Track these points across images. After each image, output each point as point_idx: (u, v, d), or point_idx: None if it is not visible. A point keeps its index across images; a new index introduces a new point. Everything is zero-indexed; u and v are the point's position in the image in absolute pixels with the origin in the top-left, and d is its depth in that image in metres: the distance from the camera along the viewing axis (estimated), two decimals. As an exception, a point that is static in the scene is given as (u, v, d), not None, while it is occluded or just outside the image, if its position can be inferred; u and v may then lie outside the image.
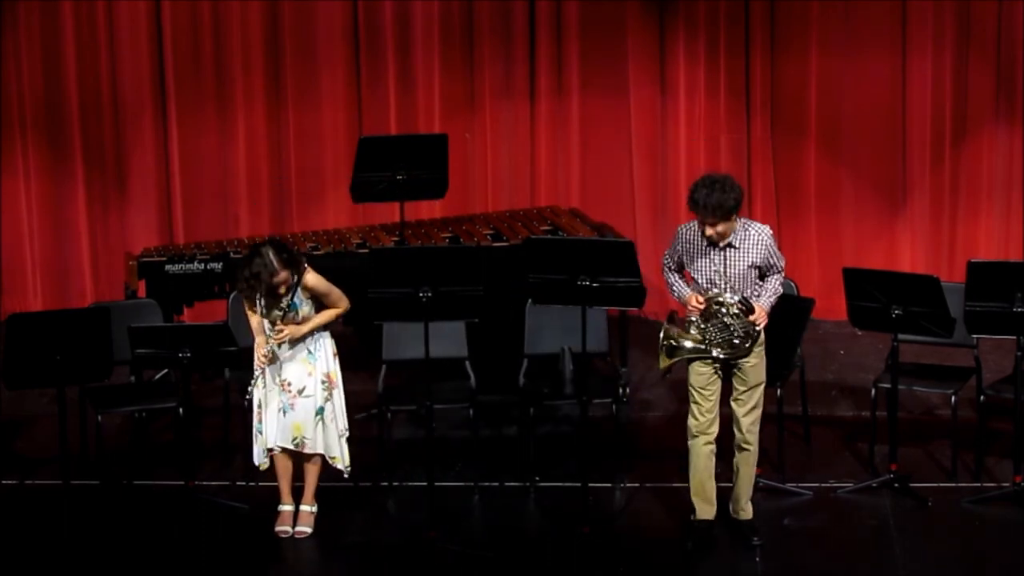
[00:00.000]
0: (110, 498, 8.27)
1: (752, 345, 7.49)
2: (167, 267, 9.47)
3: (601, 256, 7.55)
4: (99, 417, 8.33)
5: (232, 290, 9.25)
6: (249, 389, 7.78)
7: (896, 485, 8.18)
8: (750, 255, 7.47)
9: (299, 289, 7.68)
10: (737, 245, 7.46)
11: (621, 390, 8.97)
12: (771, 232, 7.54)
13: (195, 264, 9.46)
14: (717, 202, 7.31)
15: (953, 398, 8.43)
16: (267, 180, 11.52)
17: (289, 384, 7.73)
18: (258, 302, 7.69)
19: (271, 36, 11.38)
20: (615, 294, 7.57)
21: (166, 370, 9.03)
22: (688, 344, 7.49)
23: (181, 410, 8.39)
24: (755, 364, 7.56)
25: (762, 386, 7.61)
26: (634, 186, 11.44)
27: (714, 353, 7.47)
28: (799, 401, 8.91)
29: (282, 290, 7.64)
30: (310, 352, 7.75)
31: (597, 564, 7.56)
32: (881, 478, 8.25)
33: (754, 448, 7.66)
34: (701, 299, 7.47)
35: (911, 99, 11.17)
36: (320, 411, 7.75)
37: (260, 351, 7.74)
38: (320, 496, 8.04)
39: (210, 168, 11.51)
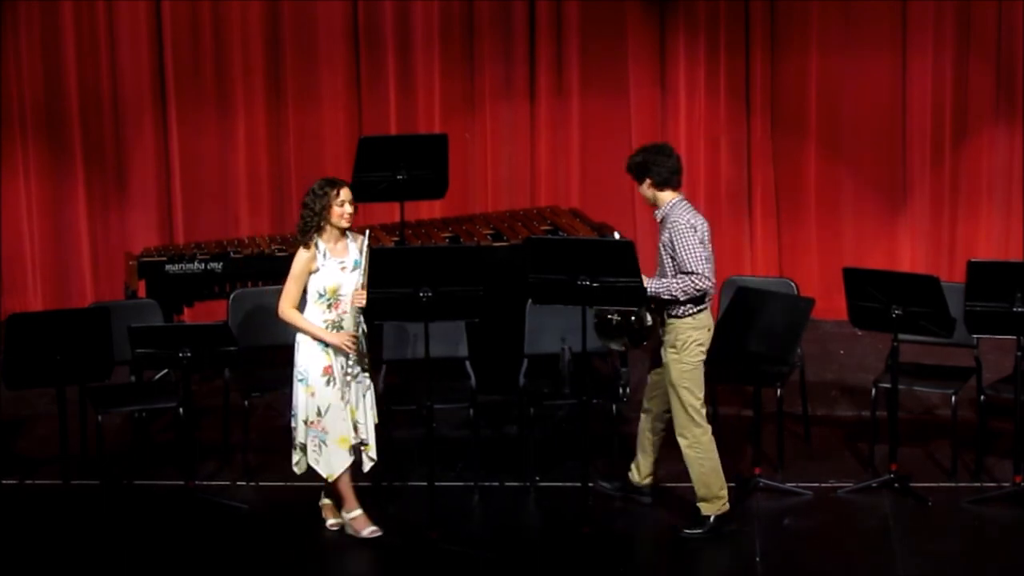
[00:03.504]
0: (110, 498, 8.27)
1: (640, 329, 7.68)
2: (167, 267, 9.46)
3: (601, 256, 7.55)
4: (99, 417, 8.32)
5: (232, 290, 9.26)
6: (349, 381, 7.68)
7: (896, 485, 8.18)
8: (663, 234, 7.70)
9: (366, 245, 7.66)
10: (659, 221, 7.74)
11: (621, 390, 8.97)
12: (684, 225, 7.58)
13: (195, 264, 9.46)
14: (630, 157, 7.88)
15: (953, 398, 8.43)
16: (267, 180, 11.52)
17: (351, 366, 7.69)
18: (319, 245, 7.60)
19: (271, 36, 11.38)
20: (615, 294, 7.57)
21: (166, 370, 9.02)
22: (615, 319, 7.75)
23: (181, 410, 8.39)
24: (667, 362, 7.70)
25: (680, 391, 7.68)
26: (634, 186, 11.42)
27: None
28: (799, 401, 8.91)
29: (338, 211, 7.58)
30: (364, 333, 7.72)
31: (597, 564, 7.56)
32: (881, 478, 8.25)
33: (685, 452, 7.74)
34: None
35: (911, 99, 11.18)
36: (365, 395, 7.71)
37: (344, 338, 7.60)
38: (318, 496, 8.03)
39: (210, 168, 11.51)
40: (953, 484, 8.31)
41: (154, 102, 11.41)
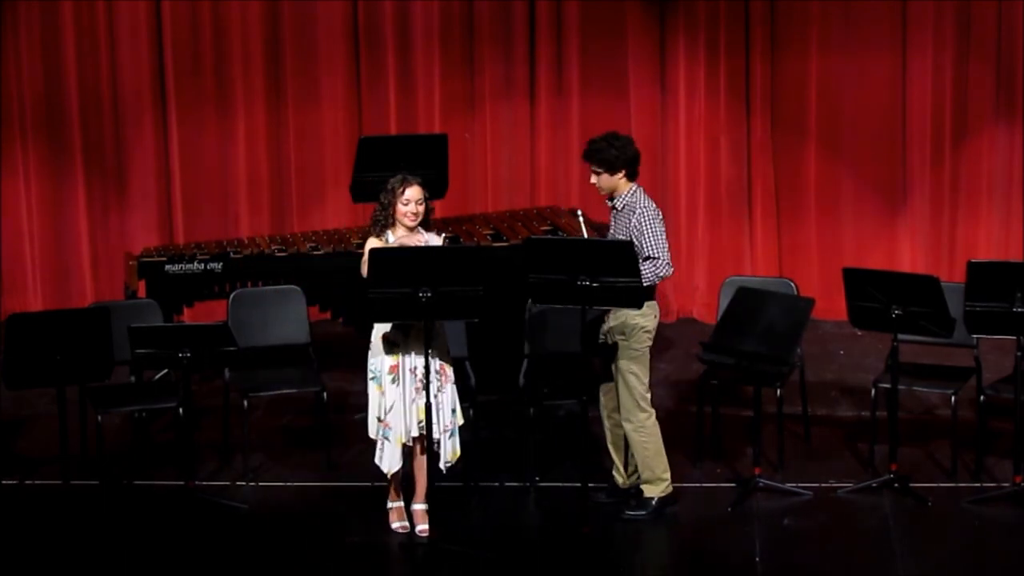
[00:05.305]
0: (110, 498, 8.27)
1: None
2: (167, 267, 9.46)
3: (601, 256, 7.55)
4: (99, 417, 8.32)
5: (232, 290, 9.26)
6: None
7: (896, 485, 8.18)
8: (627, 221, 7.82)
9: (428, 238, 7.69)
10: (620, 208, 7.87)
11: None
12: (652, 211, 7.79)
13: (195, 264, 9.46)
14: (595, 148, 7.94)
15: (953, 398, 8.43)
16: (267, 180, 11.52)
17: (416, 369, 7.64)
18: (389, 238, 7.59)
19: (271, 36, 11.38)
20: (615, 294, 7.57)
21: (166, 370, 9.02)
22: None
23: (181, 410, 8.39)
24: (615, 343, 7.80)
25: (627, 377, 7.81)
26: (634, 186, 11.43)
27: None
28: (799, 401, 8.91)
29: (402, 209, 7.60)
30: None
31: (597, 564, 7.56)
32: (881, 478, 8.25)
33: (630, 435, 7.88)
34: None
35: (911, 99, 11.18)
36: (437, 395, 7.68)
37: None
38: (318, 496, 8.03)
39: (210, 168, 11.51)
40: (953, 484, 8.30)
41: (154, 102, 11.41)
